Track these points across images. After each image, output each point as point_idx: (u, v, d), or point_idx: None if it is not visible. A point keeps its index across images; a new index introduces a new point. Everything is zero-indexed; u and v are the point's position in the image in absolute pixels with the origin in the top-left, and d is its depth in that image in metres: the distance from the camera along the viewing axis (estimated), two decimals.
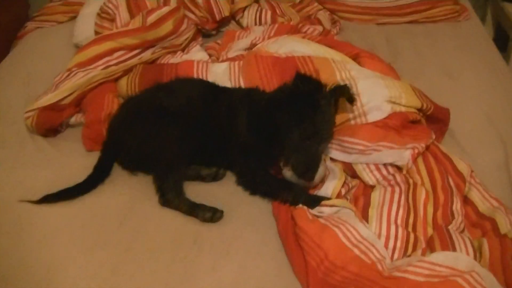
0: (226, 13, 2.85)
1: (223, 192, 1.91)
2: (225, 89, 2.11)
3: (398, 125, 1.93)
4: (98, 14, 2.74)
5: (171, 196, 1.82)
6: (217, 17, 2.84)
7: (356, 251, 1.56)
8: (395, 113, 1.96)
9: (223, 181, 1.97)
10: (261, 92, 2.03)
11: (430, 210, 1.74)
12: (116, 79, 2.34)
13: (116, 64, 2.38)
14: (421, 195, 1.76)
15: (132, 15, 2.67)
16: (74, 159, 2.04)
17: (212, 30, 2.90)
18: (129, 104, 2.09)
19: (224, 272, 1.61)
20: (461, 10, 3.11)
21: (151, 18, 2.53)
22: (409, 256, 1.61)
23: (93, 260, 1.65)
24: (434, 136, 1.98)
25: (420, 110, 2.03)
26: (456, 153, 1.96)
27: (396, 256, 1.61)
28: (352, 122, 1.97)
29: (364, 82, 2.03)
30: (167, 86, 2.10)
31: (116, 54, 2.40)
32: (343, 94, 1.87)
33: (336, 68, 2.11)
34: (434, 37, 2.90)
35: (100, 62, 2.37)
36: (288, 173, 1.81)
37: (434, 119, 2.08)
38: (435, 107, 2.05)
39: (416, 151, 1.86)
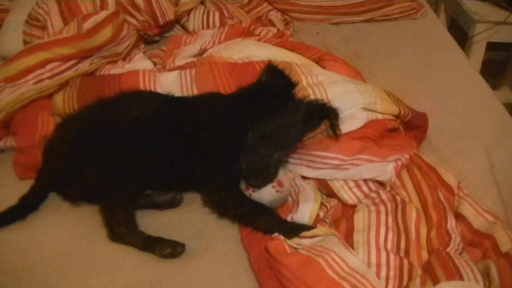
0: (170, 16, 2.61)
1: (182, 221, 1.65)
2: (181, 99, 1.84)
3: (376, 135, 1.74)
4: (27, 21, 2.46)
5: (121, 231, 1.55)
6: (161, 21, 2.58)
7: (346, 285, 1.34)
8: (372, 122, 1.77)
9: (180, 208, 1.70)
10: (223, 95, 1.79)
11: (424, 231, 1.54)
12: (50, 95, 2.04)
13: (49, 78, 2.11)
14: (412, 214, 1.55)
15: (65, 21, 2.40)
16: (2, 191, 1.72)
17: (155, 35, 2.65)
18: (67, 124, 1.79)
19: None
20: (418, 6, 3.02)
21: (87, 25, 2.27)
22: (406, 287, 1.40)
23: None
24: (415, 146, 1.79)
25: (397, 116, 1.84)
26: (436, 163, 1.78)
27: (390, 287, 1.39)
28: (324, 134, 1.75)
29: (334, 88, 1.83)
30: (113, 101, 1.79)
31: (49, 66, 2.14)
32: (327, 119, 1.67)
33: (301, 72, 1.90)
34: (393, 37, 2.79)
35: (31, 76, 2.10)
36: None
37: (411, 126, 1.89)
38: (412, 113, 1.86)
39: (400, 163, 1.67)
